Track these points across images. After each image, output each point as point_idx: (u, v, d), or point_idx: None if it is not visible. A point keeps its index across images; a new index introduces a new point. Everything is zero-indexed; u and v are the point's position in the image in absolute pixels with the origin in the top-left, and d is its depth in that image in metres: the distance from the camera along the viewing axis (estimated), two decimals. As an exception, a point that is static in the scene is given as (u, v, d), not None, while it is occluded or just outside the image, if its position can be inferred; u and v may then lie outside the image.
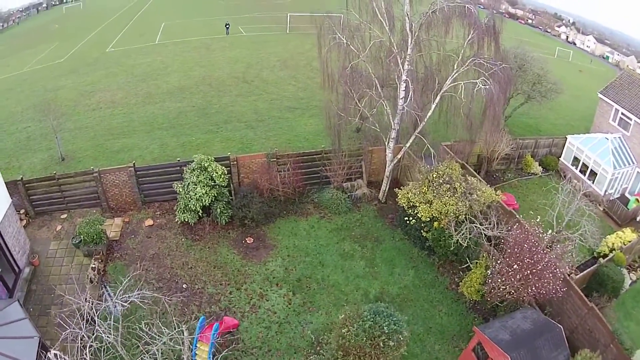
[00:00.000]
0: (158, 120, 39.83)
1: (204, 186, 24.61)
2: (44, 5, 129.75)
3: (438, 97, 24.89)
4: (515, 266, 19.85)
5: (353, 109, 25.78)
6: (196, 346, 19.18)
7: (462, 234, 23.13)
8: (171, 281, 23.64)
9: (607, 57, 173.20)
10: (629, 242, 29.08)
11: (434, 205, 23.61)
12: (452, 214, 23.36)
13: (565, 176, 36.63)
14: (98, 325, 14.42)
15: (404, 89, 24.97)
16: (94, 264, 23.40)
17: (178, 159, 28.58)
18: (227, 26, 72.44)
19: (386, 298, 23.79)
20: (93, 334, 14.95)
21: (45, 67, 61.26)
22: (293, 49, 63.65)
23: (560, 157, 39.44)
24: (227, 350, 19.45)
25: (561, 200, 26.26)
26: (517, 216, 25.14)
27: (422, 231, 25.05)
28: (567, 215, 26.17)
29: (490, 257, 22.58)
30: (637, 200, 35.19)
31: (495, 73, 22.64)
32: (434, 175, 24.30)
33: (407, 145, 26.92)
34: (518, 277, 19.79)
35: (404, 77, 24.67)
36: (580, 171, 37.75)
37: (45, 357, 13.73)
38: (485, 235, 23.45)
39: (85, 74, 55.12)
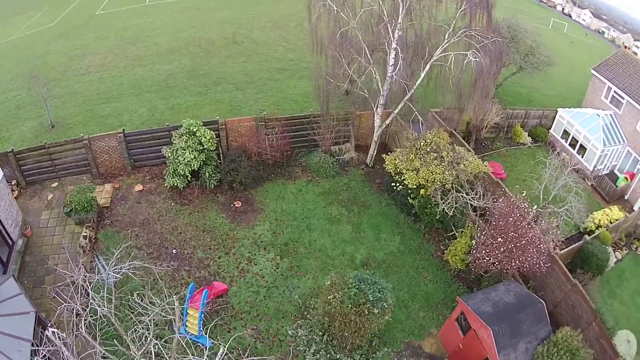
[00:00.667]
0: (147, 83, 39.42)
1: (192, 151, 24.62)
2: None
3: (428, 66, 24.71)
4: (499, 239, 20.09)
5: (342, 74, 25.50)
6: (187, 313, 19.46)
7: (448, 203, 23.37)
8: (161, 247, 23.97)
9: (603, 32, 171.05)
10: (616, 220, 29.14)
11: (420, 173, 23.74)
12: (438, 183, 23.46)
13: (554, 149, 36.59)
14: (92, 298, 14.51)
15: (394, 56, 24.76)
16: (85, 232, 23.61)
17: (167, 123, 28.51)
18: (218, -13, 70.62)
19: (372, 263, 24.25)
20: (87, 307, 15.09)
21: (35, 33, 59.91)
22: (284, 9, 62.41)
23: (550, 129, 39.25)
24: (218, 319, 19.72)
25: (548, 174, 26.41)
26: (504, 187, 25.14)
27: (408, 198, 25.21)
28: (553, 190, 26.33)
29: (476, 227, 22.78)
30: (626, 178, 35.21)
31: (486, 46, 22.30)
32: (422, 143, 24.36)
33: (396, 111, 26.80)
34: (502, 249, 20.06)
35: (393, 45, 24.39)
36: (569, 145, 37.60)
37: (43, 333, 13.89)
38: (471, 205, 23.49)
39: (75, 37, 54.09)
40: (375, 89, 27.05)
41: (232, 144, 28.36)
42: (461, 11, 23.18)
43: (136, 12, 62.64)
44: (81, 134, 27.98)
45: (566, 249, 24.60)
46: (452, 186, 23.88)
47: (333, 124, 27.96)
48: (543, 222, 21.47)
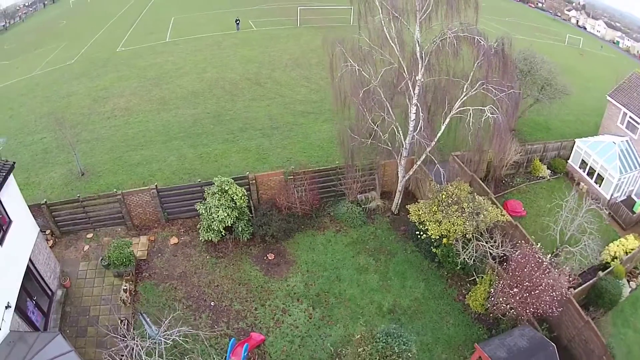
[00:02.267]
0: (174, 129, 42.25)
1: (225, 208, 27.09)
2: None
3: (447, 119, 26.91)
4: (515, 289, 22.24)
5: (366, 129, 27.82)
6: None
7: (468, 253, 25.61)
8: (199, 299, 26.40)
9: (618, 43, 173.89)
10: (631, 249, 31.04)
11: (442, 224, 26.10)
12: (459, 233, 25.70)
13: (573, 180, 38.94)
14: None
15: (414, 112, 27.06)
16: (125, 286, 26.08)
17: (199, 179, 31.04)
18: (237, 22, 74.41)
19: (398, 310, 26.50)
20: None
21: (56, 70, 63.55)
22: (304, 44, 65.65)
23: (568, 159, 41.32)
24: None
25: (564, 217, 28.42)
26: (522, 230, 27.30)
27: (431, 247, 27.43)
28: (569, 231, 28.33)
29: (495, 273, 24.92)
30: None
31: (502, 99, 24.52)
32: (444, 196, 26.68)
33: (418, 162, 29.00)
34: (517, 297, 22.19)
35: (414, 101, 26.75)
36: (587, 174, 39.58)
37: None
38: (490, 253, 25.74)
39: (97, 76, 57.45)
40: (398, 141, 29.50)
41: (262, 196, 30.94)
42: (478, 62, 25.25)
43: (156, 50, 66.05)
44: (114, 189, 30.77)
45: (580, 288, 26.70)
46: (472, 235, 26.17)
47: (358, 175, 30.41)
48: (555, 270, 23.45)
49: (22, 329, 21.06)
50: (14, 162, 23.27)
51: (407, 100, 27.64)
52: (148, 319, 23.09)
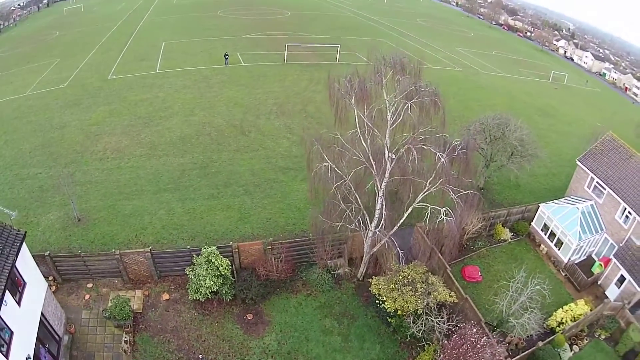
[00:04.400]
0: (163, 179, 48.50)
1: (212, 277, 33.56)
2: (45, 1, 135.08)
3: (410, 209, 33.17)
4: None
5: (337, 215, 34.35)
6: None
7: (418, 327, 32.62)
8: (189, 352, 32.61)
9: (605, 75, 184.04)
10: (579, 315, 36.64)
11: (397, 301, 32.90)
12: (411, 309, 32.72)
13: (534, 241, 45.29)
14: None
15: (380, 205, 33.68)
16: (125, 337, 32.42)
17: (188, 246, 37.40)
18: (226, 57, 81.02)
19: (356, 371, 33.25)
20: None
21: (49, 93, 69.69)
22: (290, 86, 72.62)
23: (532, 221, 47.22)
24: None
25: (510, 295, 34.96)
26: (471, 304, 34.19)
27: (387, 316, 34.42)
28: (514, 305, 34.80)
29: (439, 344, 32.01)
30: (600, 265, 42.63)
31: (463, 196, 30.39)
32: (400, 277, 33.44)
33: (382, 241, 35.49)
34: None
35: (380, 193, 33.28)
36: (548, 237, 45.24)
37: None
38: (437, 326, 32.90)
39: (89, 107, 63.82)
40: (365, 224, 36.16)
41: (244, 262, 37.42)
42: (443, 157, 29.74)
43: (146, 82, 72.42)
44: (112, 249, 36.48)
45: (517, 357, 33.01)
46: (423, 311, 33.20)
47: (328, 247, 37.20)
48: (488, 351, 30.14)
49: (38, 375, 26.41)
50: (25, 232, 27.80)
51: (376, 191, 34.06)
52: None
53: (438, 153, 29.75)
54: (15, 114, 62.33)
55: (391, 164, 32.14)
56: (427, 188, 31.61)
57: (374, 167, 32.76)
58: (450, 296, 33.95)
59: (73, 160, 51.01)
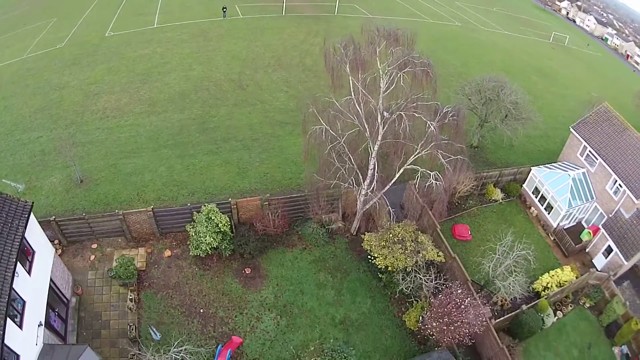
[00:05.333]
0: (163, 137, 49.55)
1: (211, 234, 35.07)
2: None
3: (401, 170, 34.22)
4: (434, 323, 30.84)
5: (331, 173, 35.28)
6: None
7: (406, 284, 34.22)
8: (191, 306, 34.47)
9: (606, 40, 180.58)
10: (565, 282, 37.35)
11: (387, 258, 34.39)
12: (400, 267, 34.22)
13: (525, 203, 46.67)
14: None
15: (372, 166, 34.73)
16: (130, 296, 34.06)
17: (188, 204, 38.65)
18: (224, 10, 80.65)
19: (347, 322, 35.05)
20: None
21: (46, 54, 69.49)
22: (287, 39, 72.74)
23: (523, 183, 48.16)
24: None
25: (495, 259, 36.24)
26: (459, 263, 35.67)
27: (378, 272, 35.99)
28: (499, 268, 35.96)
29: (427, 301, 33.70)
30: (589, 233, 43.65)
31: (447, 169, 31.48)
32: (390, 235, 34.79)
33: (374, 200, 36.52)
34: (437, 329, 30.76)
35: (373, 154, 34.25)
36: (538, 201, 46.28)
37: None
38: (425, 284, 34.44)
39: (87, 66, 64.06)
40: (360, 181, 37.21)
41: (242, 217, 38.85)
42: (433, 125, 30.88)
43: (144, 37, 72.38)
44: (115, 209, 38.20)
45: (500, 319, 34.63)
46: (412, 269, 34.74)
47: (323, 203, 38.45)
48: (472, 310, 31.40)
49: (48, 338, 27.19)
50: (32, 203, 28.56)
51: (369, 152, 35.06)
52: (153, 328, 31.72)
53: (428, 121, 30.66)
54: (14, 78, 62.51)
55: (383, 127, 33.01)
56: (418, 151, 32.59)
57: (367, 130, 33.67)
58: (438, 256, 35.42)
59: (73, 121, 51.70)
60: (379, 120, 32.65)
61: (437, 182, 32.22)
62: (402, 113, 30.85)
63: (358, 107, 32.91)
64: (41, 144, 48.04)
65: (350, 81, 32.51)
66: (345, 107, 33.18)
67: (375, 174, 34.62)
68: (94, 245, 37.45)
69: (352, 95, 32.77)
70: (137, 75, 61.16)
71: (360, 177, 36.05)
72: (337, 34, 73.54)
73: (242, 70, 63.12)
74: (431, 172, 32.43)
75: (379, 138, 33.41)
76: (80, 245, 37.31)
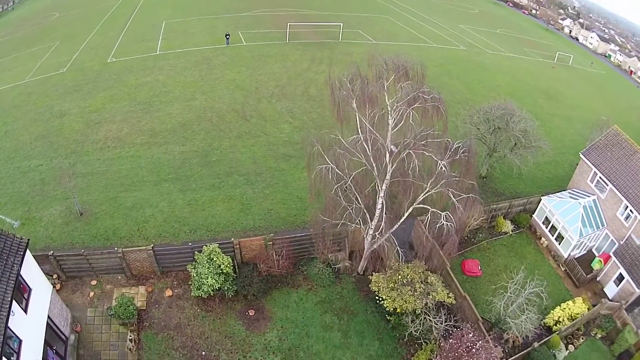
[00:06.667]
0: (164, 169, 49.06)
1: (213, 275, 34.44)
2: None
3: (410, 209, 33.68)
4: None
5: (338, 213, 34.66)
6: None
7: (416, 326, 33.54)
8: (193, 349, 33.64)
9: (609, 56, 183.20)
10: (576, 314, 37.18)
11: (396, 300, 33.76)
12: (410, 309, 33.59)
13: (535, 234, 46.00)
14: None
15: (379, 206, 34.09)
16: (130, 336, 33.39)
17: (190, 243, 38.03)
18: (227, 36, 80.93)
19: (356, 367, 34.22)
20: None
21: (48, 79, 69.89)
22: (292, 67, 72.70)
23: (533, 213, 47.68)
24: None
25: (507, 296, 35.66)
26: (469, 302, 35.06)
27: (386, 315, 35.37)
28: (510, 307, 35.39)
29: (437, 344, 32.99)
30: (600, 261, 43.09)
31: (459, 209, 30.88)
32: (399, 276, 34.25)
33: (382, 239, 36.02)
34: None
35: (381, 194, 33.65)
36: (549, 231, 45.72)
37: None
38: (435, 327, 33.83)
39: (89, 93, 64.07)
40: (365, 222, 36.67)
41: (245, 256, 38.26)
42: (443, 164, 30.21)
43: (147, 64, 72.46)
44: (114, 246, 37.61)
45: (512, 359, 33.97)
46: (421, 310, 34.14)
47: (329, 243, 37.92)
48: (483, 354, 31.09)
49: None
50: (28, 240, 28.17)
51: (377, 190, 34.29)
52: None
53: (439, 161, 30.20)
54: (15, 103, 62.67)
55: (392, 166, 32.45)
56: (427, 190, 32.01)
57: (375, 168, 33.18)
58: (448, 297, 34.76)
59: (73, 150, 51.48)
60: (387, 159, 32.12)
61: (449, 224, 31.57)
62: (411, 151, 30.32)
63: (365, 145, 32.35)
64: (41, 173, 47.76)
65: (357, 118, 32.08)
66: (352, 145, 32.60)
67: (384, 215, 33.95)
68: (94, 282, 36.82)
69: (360, 133, 32.25)
70: (139, 104, 60.97)
71: (368, 216, 35.46)
72: (342, 61, 74.50)
73: (246, 100, 62.88)
74: (442, 212, 31.84)
75: (387, 177, 32.86)
76: (80, 281, 36.69)
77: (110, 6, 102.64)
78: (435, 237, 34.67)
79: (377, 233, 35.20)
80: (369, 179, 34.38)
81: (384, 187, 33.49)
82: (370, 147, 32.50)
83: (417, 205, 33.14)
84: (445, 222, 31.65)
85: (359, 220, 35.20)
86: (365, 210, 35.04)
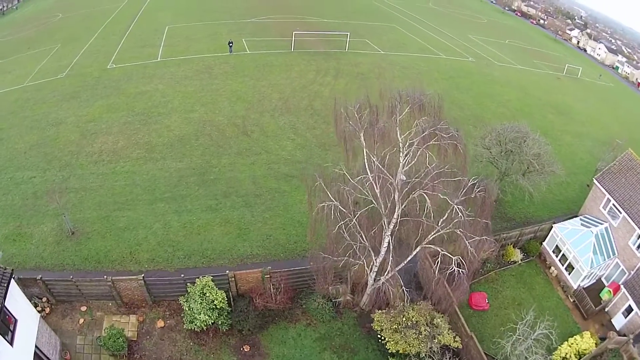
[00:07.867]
0: (160, 188, 47.72)
1: (206, 311, 33.06)
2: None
3: (417, 249, 32.45)
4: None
5: (340, 250, 33.15)
6: None
7: (419, 372, 32.22)
8: (185, 386, 32.42)
9: (617, 68, 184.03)
10: (584, 350, 35.98)
11: (399, 343, 32.37)
12: (414, 352, 32.17)
13: (545, 262, 44.63)
14: None
15: (385, 245, 32.76)
16: (121, 369, 32.27)
17: (182, 274, 36.30)
18: (230, 44, 79.66)
19: (354, 410, 32.73)
20: None
21: (47, 84, 69.03)
22: (296, 78, 71.32)
23: (543, 240, 46.33)
24: None
25: (515, 338, 34.28)
26: (475, 342, 33.64)
27: (389, 356, 33.92)
28: (520, 347, 34.00)
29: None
30: (609, 291, 41.80)
31: (472, 254, 29.54)
32: (403, 319, 32.78)
33: (388, 277, 34.70)
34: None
35: (388, 233, 32.23)
36: (559, 260, 44.43)
37: None
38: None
39: (86, 101, 63.01)
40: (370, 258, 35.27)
41: (241, 289, 36.81)
42: (457, 206, 28.83)
43: (147, 71, 71.28)
44: (104, 274, 36.05)
45: None
46: (425, 354, 32.72)
47: (330, 279, 36.39)
48: None
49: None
50: (12, 270, 27.04)
51: (384, 221, 32.75)
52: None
53: (453, 204, 28.73)
54: (12, 108, 61.85)
55: (401, 205, 30.88)
56: (437, 230, 30.54)
57: (383, 207, 31.64)
58: (455, 341, 33.32)
59: (68, 163, 50.40)
60: (396, 198, 30.55)
61: (461, 270, 30.25)
62: (423, 192, 28.83)
63: (374, 183, 30.60)
64: (34, 185, 46.77)
65: (365, 155, 30.50)
66: (359, 183, 31.19)
67: (390, 258, 32.50)
68: (84, 308, 35.59)
69: (367, 171, 30.53)
70: (137, 115, 59.77)
71: (372, 253, 33.98)
72: (349, 73, 73.27)
73: (247, 114, 61.52)
74: (453, 257, 30.50)
75: (395, 216, 31.35)
76: (70, 306, 35.52)
77: (114, 8, 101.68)
78: (447, 282, 33.33)
79: (381, 277, 33.70)
80: (377, 215, 32.82)
81: (391, 227, 32.02)
82: (378, 186, 30.71)
83: (426, 245, 31.69)
84: (456, 268, 30.15)
85: (363, 259, 33.74)
86: (370, 249, 33.46)
